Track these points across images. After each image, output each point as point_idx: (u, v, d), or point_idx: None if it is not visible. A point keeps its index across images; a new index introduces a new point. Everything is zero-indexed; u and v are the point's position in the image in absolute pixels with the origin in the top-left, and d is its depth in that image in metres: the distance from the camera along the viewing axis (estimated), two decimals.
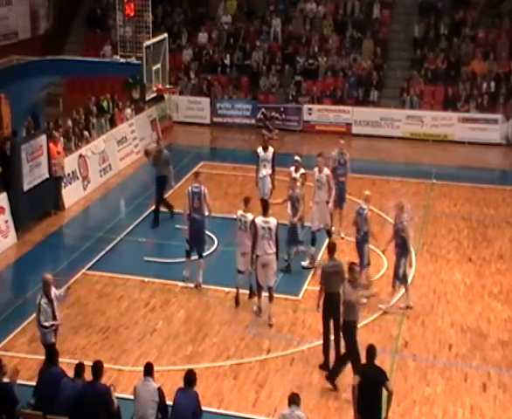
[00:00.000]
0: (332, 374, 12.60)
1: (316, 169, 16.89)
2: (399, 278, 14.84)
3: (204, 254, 16.17)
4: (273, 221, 14.38)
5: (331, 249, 13.34)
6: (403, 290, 15.08)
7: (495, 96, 26.70)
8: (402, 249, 14.80)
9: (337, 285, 12.78)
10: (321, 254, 16.63)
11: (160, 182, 19.07)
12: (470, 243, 18.27)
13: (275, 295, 14.82)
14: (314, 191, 16.90)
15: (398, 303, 15.08)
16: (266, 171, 18.44)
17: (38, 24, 30.04)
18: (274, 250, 14.31)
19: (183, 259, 16.20)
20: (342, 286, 12.58)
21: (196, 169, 22.69)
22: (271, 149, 18.59)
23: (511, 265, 17.15)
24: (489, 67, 27.42)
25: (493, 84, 26.93)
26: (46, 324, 11.91)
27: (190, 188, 15.78)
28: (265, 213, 14.48)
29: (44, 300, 11.93)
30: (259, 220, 14.34)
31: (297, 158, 17.54)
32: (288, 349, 13.69)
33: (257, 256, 14.34)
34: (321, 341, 13.19)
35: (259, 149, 18.71)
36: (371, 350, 10.45)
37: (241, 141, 26.64)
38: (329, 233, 17.06)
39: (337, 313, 12.78)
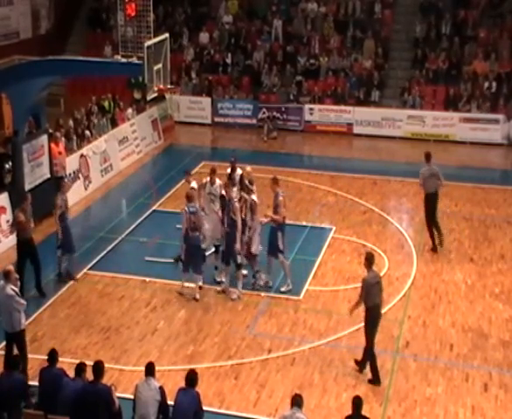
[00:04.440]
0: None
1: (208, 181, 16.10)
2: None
3: (207, 253, 16.28)
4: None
5: (370, 260, 12.66)
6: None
7: (497, 96, 26.68)
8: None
9: (379, 296, 12.72)
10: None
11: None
12: (471, 243, 18.25)
13: (277, 295, 15.41)
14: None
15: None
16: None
17: (40, 23, 30.09)
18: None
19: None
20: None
21: (195, 169, 22.74)
22: (239, 171, 16.45)
23: None
24: (491, 67, 27.38)
25: (494, 84, 26.90)
26: None
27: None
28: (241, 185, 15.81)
29: None
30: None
31: (247, 183, 15.89)
32: (289, 349, 13.66)
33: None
34: (322, 341, 13.20)
35: (228, 171, 16.75)
36: (358, 401, 9.80)
37: (242, 141, 26.64)
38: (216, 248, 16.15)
39: (378, 325, 12.85)
